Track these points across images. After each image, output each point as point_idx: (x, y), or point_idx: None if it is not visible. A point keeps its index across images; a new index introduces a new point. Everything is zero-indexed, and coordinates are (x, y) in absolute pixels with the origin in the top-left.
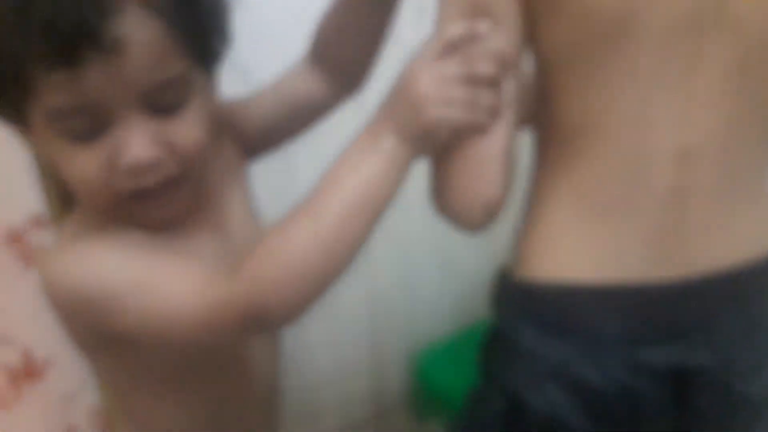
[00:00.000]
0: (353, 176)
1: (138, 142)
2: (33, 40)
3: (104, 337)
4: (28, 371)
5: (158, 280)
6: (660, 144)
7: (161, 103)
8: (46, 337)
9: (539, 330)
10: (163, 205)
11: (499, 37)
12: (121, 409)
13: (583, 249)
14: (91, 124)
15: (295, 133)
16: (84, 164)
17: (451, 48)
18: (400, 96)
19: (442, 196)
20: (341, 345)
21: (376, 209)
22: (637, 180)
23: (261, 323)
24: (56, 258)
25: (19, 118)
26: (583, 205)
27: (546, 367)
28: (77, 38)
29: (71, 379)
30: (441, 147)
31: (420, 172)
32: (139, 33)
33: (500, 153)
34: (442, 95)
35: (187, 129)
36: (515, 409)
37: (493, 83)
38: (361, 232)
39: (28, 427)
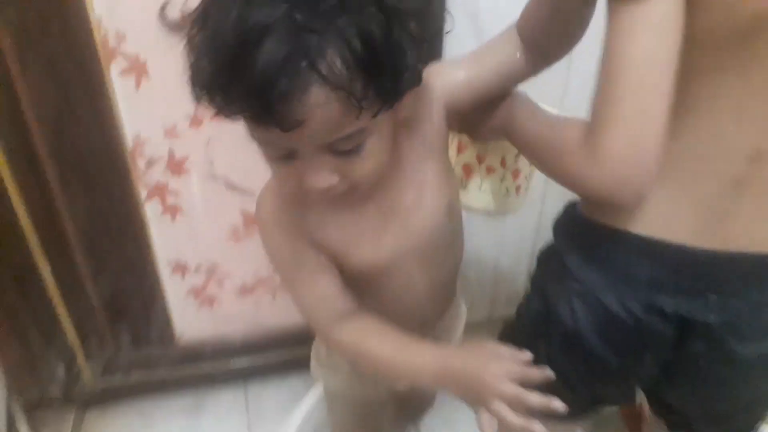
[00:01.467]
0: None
1: (314, 175)
2: (234, 102)
3: None
4: None
5: (301, 295)
6: (742, 140)
7: (341, 149)
8: None
9: (583, 258)
10: (340, 201)
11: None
12: None
13: (674, 214)
14: (283, 155)
15: (492, 98)
16: (281, 177)
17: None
18: (465, 375)
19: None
20: None
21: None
22: (707, 164)
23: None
24: (259, 210)
25: None
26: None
27: (580, 287)
28: (263, 116)
29: None
30: None
31: None
32: (319, 109)
33: None
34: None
35: (363, 164)
36: (547, 313)
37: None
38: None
39: (248, 262)
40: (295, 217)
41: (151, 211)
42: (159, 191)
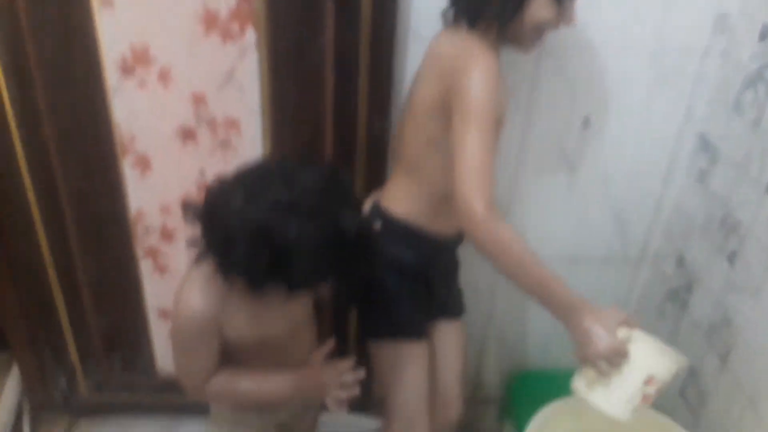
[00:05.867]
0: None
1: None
2: None
3: None
4: None
5: (187, 363)
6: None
7: None
8: None
9: (390, 238)
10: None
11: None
12: None
13: (419, 211)
14: None
15: None
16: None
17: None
18: (311, 383)
19: None
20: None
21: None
22: (445, 198)
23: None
24: None
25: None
26: (422, 196)
27: (389, 255)
28: None
29: None
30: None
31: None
32: None
33: None
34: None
35: None
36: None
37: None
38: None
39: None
40: (215, 310)
41: (145, 269)
42: (152, 253)
